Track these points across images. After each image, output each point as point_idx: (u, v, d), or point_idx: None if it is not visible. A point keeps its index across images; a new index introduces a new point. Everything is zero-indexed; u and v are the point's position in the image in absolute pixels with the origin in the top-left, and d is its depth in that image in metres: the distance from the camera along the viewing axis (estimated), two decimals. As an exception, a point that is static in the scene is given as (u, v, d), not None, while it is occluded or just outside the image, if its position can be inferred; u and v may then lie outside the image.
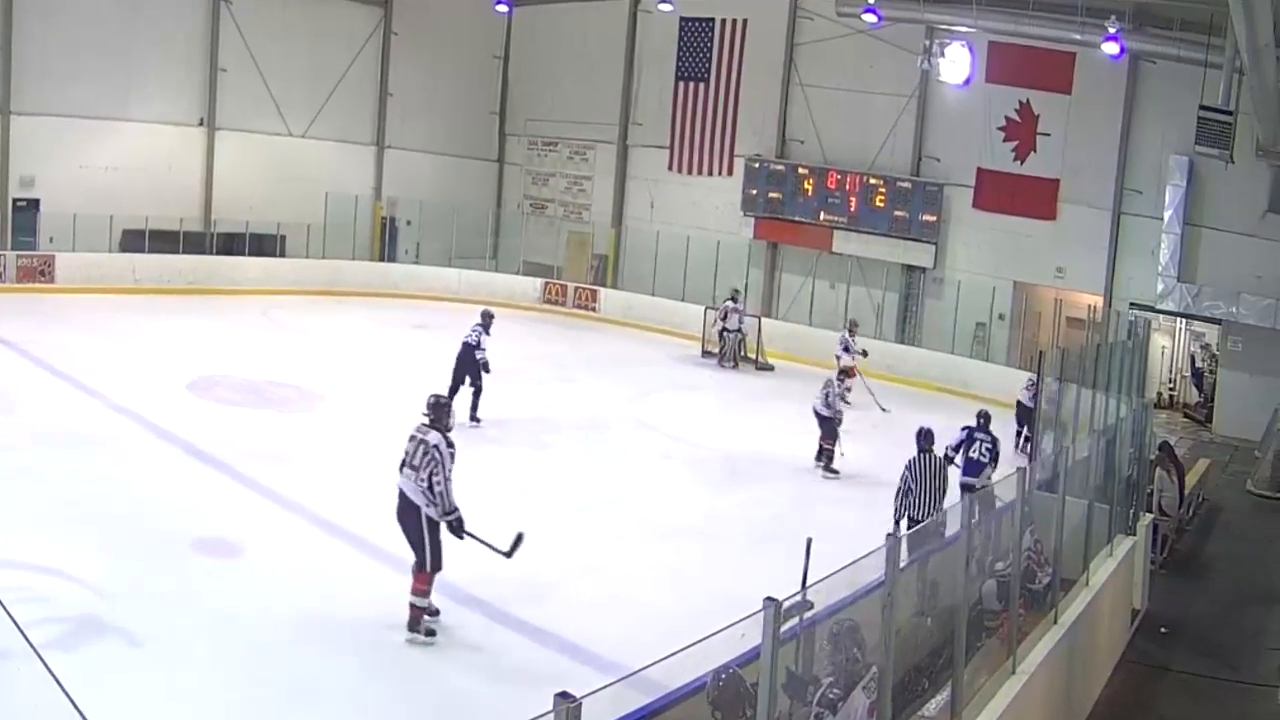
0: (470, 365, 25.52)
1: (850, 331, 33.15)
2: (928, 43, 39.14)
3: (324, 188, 45.04)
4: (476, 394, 25.52)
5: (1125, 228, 37.00)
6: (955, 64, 38.95)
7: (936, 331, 39.07)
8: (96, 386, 25.86)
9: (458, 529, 14.14)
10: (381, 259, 48.17)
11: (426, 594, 14.08)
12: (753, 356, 36.94)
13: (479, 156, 51.93)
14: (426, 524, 14.03)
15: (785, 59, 43.19)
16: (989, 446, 20.17)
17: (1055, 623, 13.21)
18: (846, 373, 30.22)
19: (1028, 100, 38.11)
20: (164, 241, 41.70)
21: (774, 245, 43.93)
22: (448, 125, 50.53)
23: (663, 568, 17.39)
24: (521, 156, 51.90)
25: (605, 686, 5.88)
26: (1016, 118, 38.38)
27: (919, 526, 9.17)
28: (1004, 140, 38.67)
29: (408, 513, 14.17)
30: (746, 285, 41.48)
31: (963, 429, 20.68)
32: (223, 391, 26.72)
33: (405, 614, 14.21)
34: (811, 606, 8.19)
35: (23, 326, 31.27)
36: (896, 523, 17.81)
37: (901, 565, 8.76)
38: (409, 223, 49.07)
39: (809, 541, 11.01)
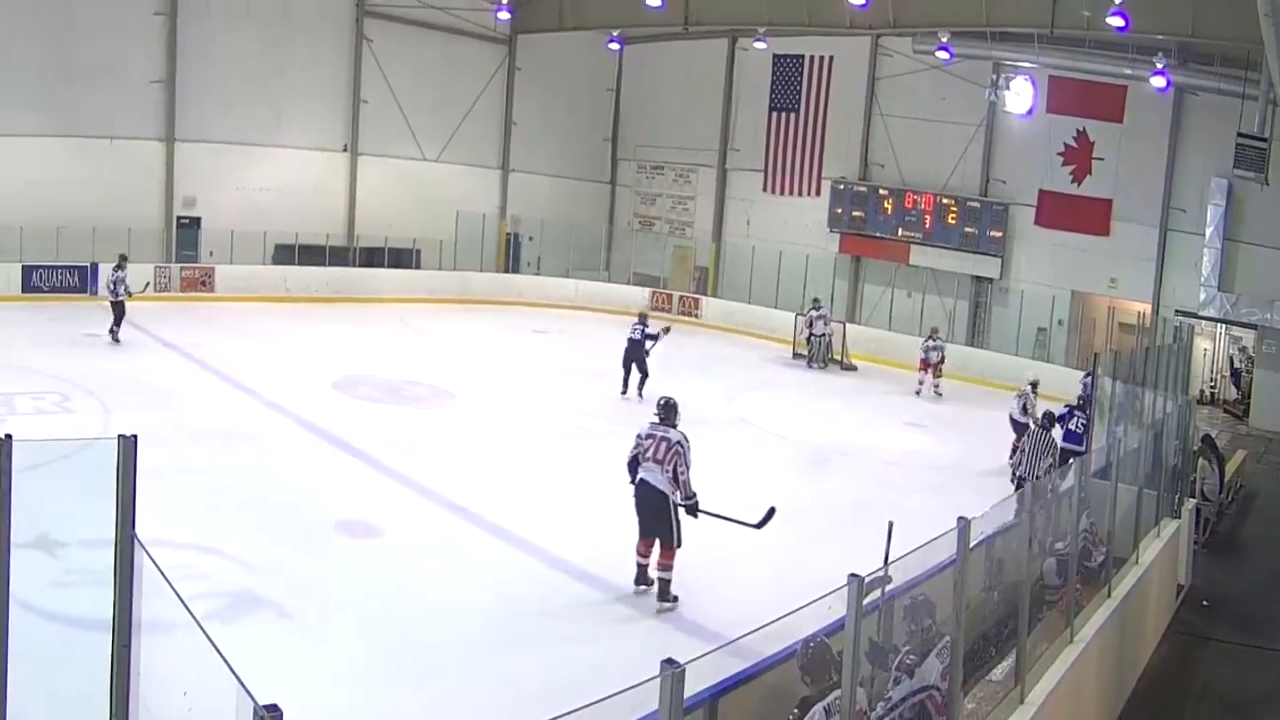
0: (636, 355, 27.96)
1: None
2: (994, 77, 39.30)
3: (455, 207, 45.32)
4: (644, 379, 28.22)
5: (1171, 243, 36.96)
6: (1019, 96, 39.11)
7: (1002, 335, 39.07)
8: (251, 385, 26.13)
9: (695, 510, 14.99)
10: (506, 270, 48.46)
11: (671, 568, 14.85)
12: (838, 358, 36.81)
13: (593, 179, 51.96)
14: (672, 509, 14.81)
15: (867, 91, 43.09)
16: (1083, 423, 21.02)
17: (1109, 596, 13.27)
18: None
19: (1084, 128, 38.08)
20: (312, 255, 42.17)
21: (857, 258, 43.89)
22: (565, 151, 50.56)
23: (756, 548, 17.18)
24: (631, 179, 51.87)
25: (706, 654, 5.92)
26: (1074, 144, 38.34)
27: (983, 514, 9.15)
28: (1063, 164, 38.62)
29: (655, 500, 14.88)
30: (832, 295, 41.82)
31: (1065, 406, 22.91)
32: (364, 390, 26.82)
33: (527, 584, 14.95)
34: (890, 581, 8.33)
35: (185, 331, 31.62)
36: (1015, 480, 19.70)
37: (971, 546, 8.72)
38: (531, 238, 49.17)
39: (890, 524, 10.94)
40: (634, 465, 15.18)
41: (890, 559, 9.63)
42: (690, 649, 6.28)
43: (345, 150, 44.78)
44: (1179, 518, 18.29)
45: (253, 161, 42.12)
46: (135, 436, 6.40)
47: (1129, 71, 35.78)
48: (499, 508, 18.25)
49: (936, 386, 33.43)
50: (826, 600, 7.00)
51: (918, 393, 33.47)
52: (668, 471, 14.84)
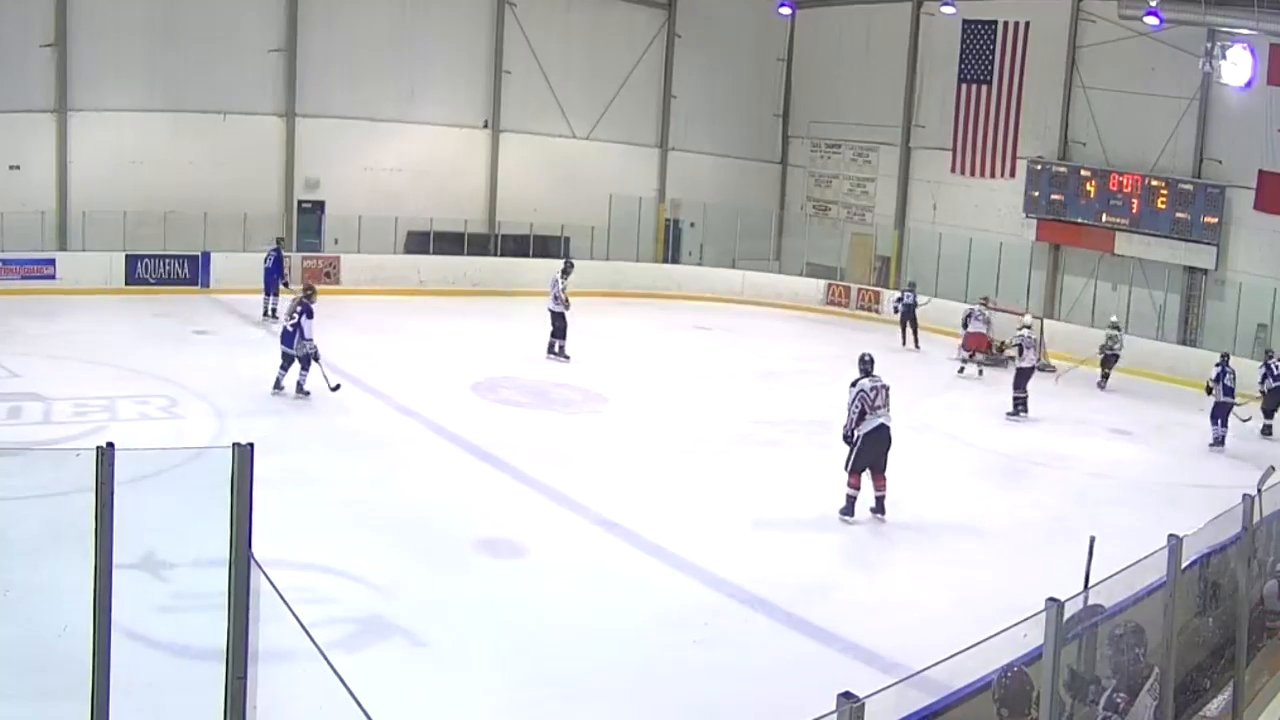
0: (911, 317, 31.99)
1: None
2: (1209, 45, 38.22)
3: (608, 190, 45.65)
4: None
5: None
6: (1237, 66, 38.01)
7: (1217, 333, 38.05)
8: (381, 388, 26.42)
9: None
10: (665, 260, 48.57)
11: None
12: (1003, 356, 36.15)
13: (762, 159, 51.87)
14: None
15: (1067, 61, 42.52)
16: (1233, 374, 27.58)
17: (1339, 622, 13.04)
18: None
19: (1309, 102, 37.30)
20: (448, 243, 42.65)
21: (1056, 247, 43.37)
22: (731, 127, 50.57)
23: (941, 567, 17.35)
24: (804, 158, 51.73)
25: (888, 687, 6.03)
26: (1298, 120, 37.66)
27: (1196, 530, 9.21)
28: (1286, 142, 37.93)
29: (889, 439, 19.11)
30: (1028, 287, 41.89)
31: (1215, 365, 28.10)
32: (507, 393, 26.98)
33: (685, 610, 15.01)
34: (1101, 609, 8.39)
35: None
36: None
37: (1183, 566, 8.73)
38: (692, 225, 49.35)
39: (1091, 540, 10.96)
40: (863, 415, 18.97)
41: (1091, 580, 9.64)
42: (868, 682, 6.31)
43: (485, 127, 45.22)
44: None
45: (382, 139, 42.71)
46: (251, 445, 6.40)
47: (1361, 37, 34.79)
48: (656, 524, 18.26)
49: (972, 358, 35.11)
50: (1021, 627, 7.03)
51: (961, 371, 34.55)
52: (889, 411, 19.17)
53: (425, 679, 12.52)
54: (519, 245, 44.42)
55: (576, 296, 38.51)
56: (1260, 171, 37.77)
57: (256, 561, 6.46)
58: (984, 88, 44.79)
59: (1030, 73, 43.58)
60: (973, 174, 45.31)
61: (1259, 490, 11.36)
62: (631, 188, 47.06)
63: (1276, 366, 29.93)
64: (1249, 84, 37.79)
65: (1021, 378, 29.29)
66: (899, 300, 39.29)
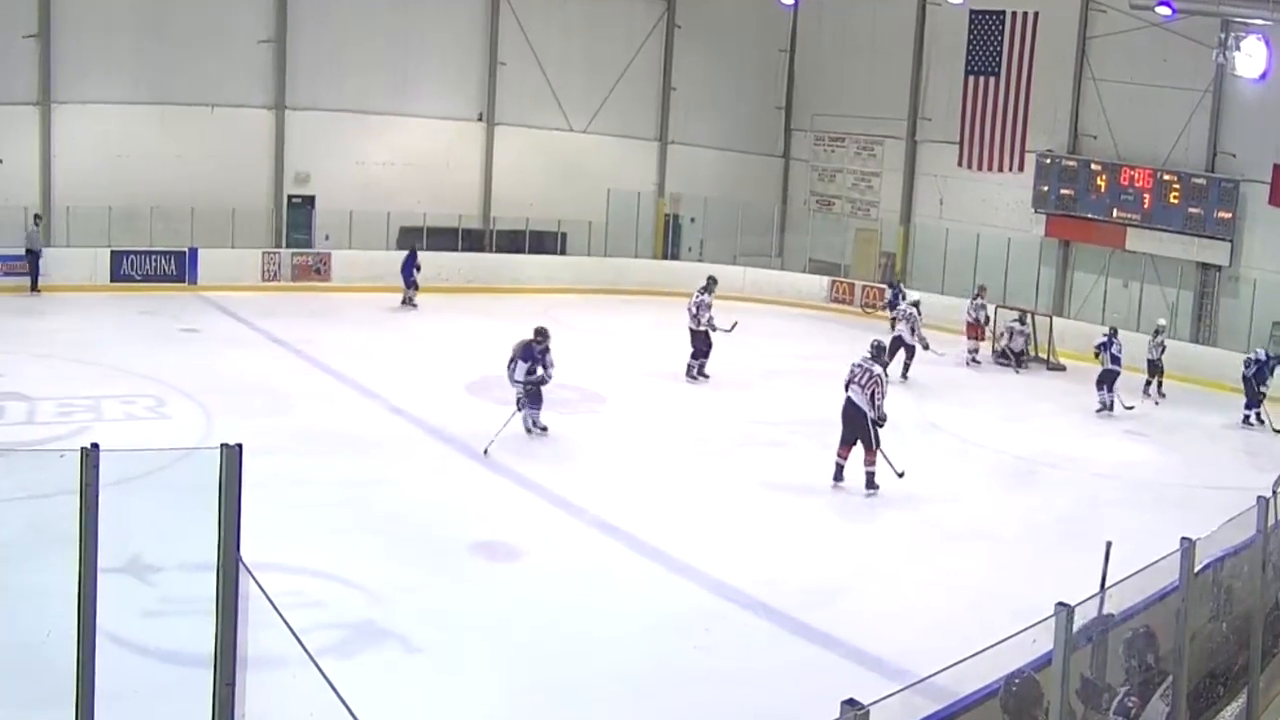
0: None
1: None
2: (1223, 35, 37.69)
3: (606, 184, 45.61)
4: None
5: None
6: (1251, 57, 37.49)
7: (1232, 331, 38.07)
8: (373, 387, 26.47)
9: (882, 424, 21.18)
10: (664, 257, 48.48)
11: (875, 464, 21.05)
12: (1044, 356, 36.65)
13: (764, 152, 51.68)
14: (869, 423, 20.98)
15: (1077, 52, 42.39)
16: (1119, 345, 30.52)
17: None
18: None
19: (1326, 94, 37.13)
20: (442, 238, 42.66)
21: (1065, 243, 43.29)
22: (732, 120, 50.39)
23: (949, 572, 17.39)
24: (808, 152, 51.58)
25: (893, 694, 5.99)
26: (1314, 112, 37.46)
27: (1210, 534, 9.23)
28: (1301, 135, 37.81)
29: (855, 415, 21.13)
30: (1037, 283, 41.80)
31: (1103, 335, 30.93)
32: (502, 392, 26.91)
33: (686, 615, 15.11)
34: (1112, 618, 8.44)
35: (298, 326, 32.16)
36: None
37: (1196, 570, 8.74)
38: (692, 220, 49.31)
39: (1108, 545, 10.96)
40: (846, 386, 21.40)
41: (1106, 584, 9.66)
42: (873, 688, 6.26)
43: (480, 119, 45.22)
44: None
45: (374, 132, 42.72)
46: (240, 446, 6.41)
47: (1380, 26, 34.59)
48: (656, 527, 18.29)
49: (974, 354, 36.21)
50: (1030, 632, 7.02)
51: (969, 363, 35.36)
52: (868, 394, 21.00)
53: (419, 685, 12.55)
54: (514, 241, 44.49)
55: (572, 294, 38.67)
56: (1275, 165, 37.35)
57: (245, 565, 6.47)
58: (992, 80, 44.65)
59: (1039, 64, 43.42)
60: (980, 168, 45.19)
61: (1274, 492, 11.38)
62: (630, 182, 47.00)
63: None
64: (1264, 76, 37.38)
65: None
66: (889, 285, 41.17)
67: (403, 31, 42.71)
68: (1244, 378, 30.68)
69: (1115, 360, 30.40)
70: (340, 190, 41.31)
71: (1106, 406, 30.23)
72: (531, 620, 14.56)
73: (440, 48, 43.85)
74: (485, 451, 21.54)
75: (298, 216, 41.64)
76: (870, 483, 20.98)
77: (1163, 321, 34.90)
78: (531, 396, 23.37)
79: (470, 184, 44.99)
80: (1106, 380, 30.41)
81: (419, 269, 38.22)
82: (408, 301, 37.68)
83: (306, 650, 6.33)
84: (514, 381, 23.27)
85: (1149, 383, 32.71)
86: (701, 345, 30.20)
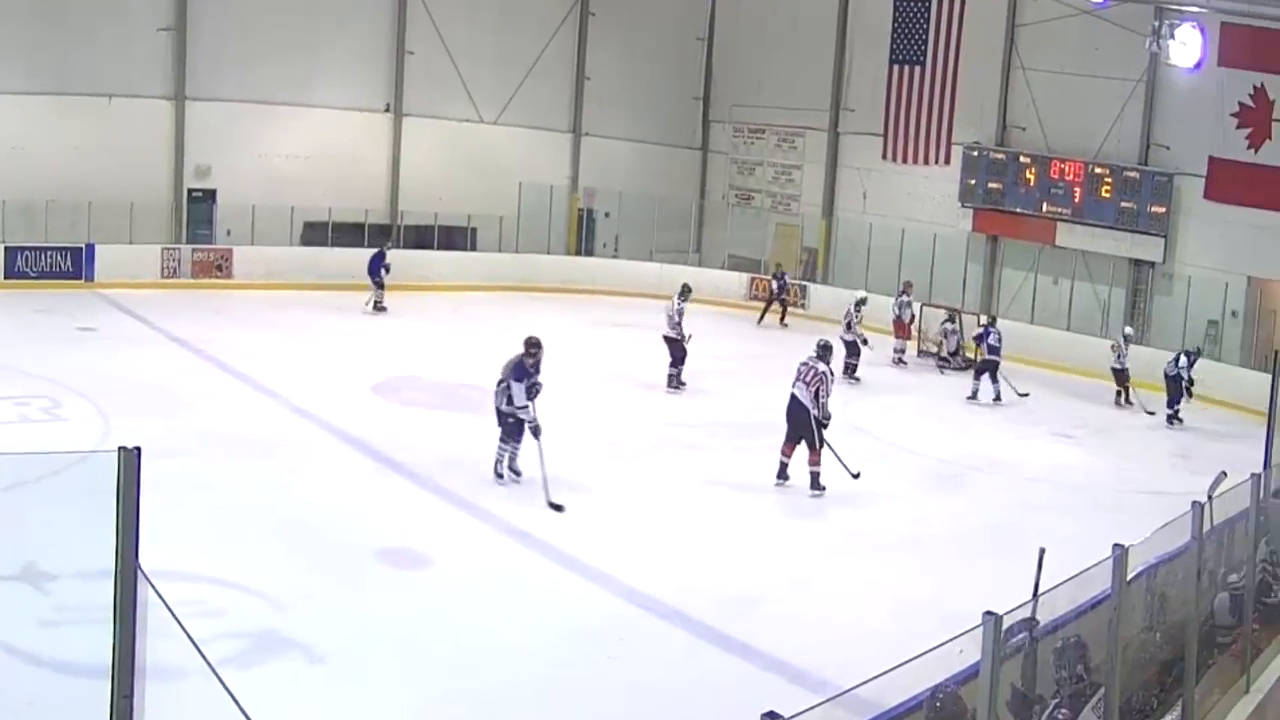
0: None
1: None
2: (1156, 24, 37.71)
3: (517, 177, 45.41)
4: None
5: (1367, 220, 36.35)
6: (1185, 46, 37.50)
7: (1166, 329, 38.20)
8: (276, 388, 26.35)
9: (826, 423, 21.77)
10: (578, 253, 48.50)
11: (819, 464, 21.55)
12: (971, 356, 36.48)
13: (681, 144, 51.66)
14: (812, 420, 21.49)
15: (1006, 41, 42.54)
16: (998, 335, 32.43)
17: (1293, 638, 13.11)
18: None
19: (1262, 84, 36.88)
20: (348, 234, 42.35)
21: (993, 238, 43.42)
22: (648, 111, 50.29)
23: (873, 580, 17.48)
24: (726, 144, 51.64)
25: (814, 706, 5.96)
26: (1250, 103, 37.18)
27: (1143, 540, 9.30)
28: (1237, 127, 37.44)
29: (798, 411, 21.66)
30: (964, 281, 41.93)
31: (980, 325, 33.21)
32: (411, 393, 26.94)
33: (600, 624, 15.12)
34: (1038, 624, 8.40)
35: (198, 324, 31.97)
36: None
37: (1129, 578, 8.78)
38: (607, 214, 49.26)
39: (1041, 551, 10.84)
40: (793, 384, 21.83)
41: (1040, 592, 9.64)
42: (794, 700, 6.21)
43: (387, 110, 45.09)
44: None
45: (278, 124, 42.53)
46: (139, 449, 6.38)
47: (1317, 17, 34.71)
48: (568, 533, 18.34)
49: (901, 354, 36.94)
50: (957, 642, 7.01)
51: (895, 362, 36.04)
52: (811, 391, 21.58)
53: (323, 696, 12.52)
54: (423, 236, 44.33)
55: (483, 292, 38.60)
56: (1210, 158, 37.68)
57: (144, 573, 6.43)
58: (917, 69, 44.65)
59: (966, 53, 43.43)
60: (905, 161, 45.23)
61: (1209, 497, 11.49)
62: (542, 175, 46.84)
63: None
64: (1198, 65, 37.45)
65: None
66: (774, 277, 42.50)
67: (308, 19, 42.45)
68: (1166, 375, 31.14)
69: (993, 350, 32.00)
70: (242, 184, 40.93)
71: (974, 395, 31.85)
72: (439, 629, 14.54)
73: (346, 36, 43.59)
74: (560, 507, 19.40)
75: (198, 211, 41.28)
76: (815, 483, 21.41)
77: (1129, 330, 35.21)
78: (511, 429, 21.10)
79: (377, 177, 44.84)
80: (986, 369, 31.92)
81: (388, 269, 38.21)
82: (377, 304, 37.61)
83: (207, 661, 6.32)
84: (502, 410, 21.12)
85: (1119, 393, 32.97)
86: (678, 353, 30.19)
